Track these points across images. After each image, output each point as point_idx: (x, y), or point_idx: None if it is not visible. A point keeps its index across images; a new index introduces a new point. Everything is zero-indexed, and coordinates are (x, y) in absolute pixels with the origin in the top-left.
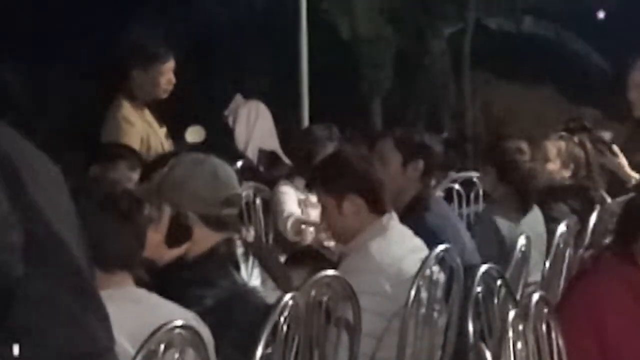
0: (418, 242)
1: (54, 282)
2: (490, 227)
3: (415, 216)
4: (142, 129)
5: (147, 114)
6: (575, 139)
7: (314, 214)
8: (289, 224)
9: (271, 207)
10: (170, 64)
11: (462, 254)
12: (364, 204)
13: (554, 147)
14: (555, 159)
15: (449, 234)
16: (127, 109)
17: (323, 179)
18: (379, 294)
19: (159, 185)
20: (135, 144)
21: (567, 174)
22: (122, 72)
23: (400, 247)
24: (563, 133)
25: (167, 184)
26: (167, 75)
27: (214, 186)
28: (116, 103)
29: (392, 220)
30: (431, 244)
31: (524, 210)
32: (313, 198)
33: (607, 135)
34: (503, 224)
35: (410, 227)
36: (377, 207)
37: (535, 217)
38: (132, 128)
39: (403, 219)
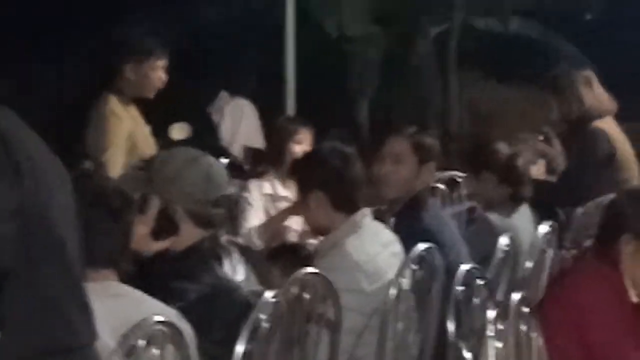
0: (390, 236)
1: (42, 275)
2: (487, 227)
3: (412, 215)
4: (129, 125)
5: (134, 110)
6: (540, 137)
7: (284, 206)
8: (254, 235)
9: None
10: (163, 61)
11: (457, 257)
12: (327, 201)
13: (532, 151)
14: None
15: (446, 236)
16: (115, 104)
17: (294, 172)
18: (357, 291)
19: (150, 176)
20: (122, 139)
21: (539, 170)
22: (112, 67)
23: (374, 243)
24: (526, 134)
25: (159, 177)
26: (159, 72)
27: (206, 185)
28: (103, 98)
29: (366, 217)
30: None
31: (514, 209)
32: (281, 190)
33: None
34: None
35: (407, 225)
36: (344, 205)
37: (525, 215)
38: (119, 122)
39: (399, 219)
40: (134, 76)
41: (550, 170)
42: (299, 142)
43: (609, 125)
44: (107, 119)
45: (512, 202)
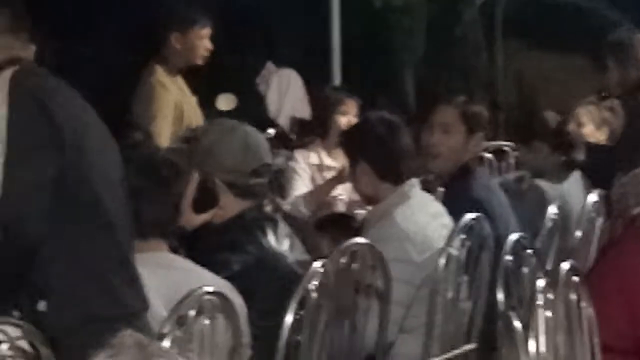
0: (439, 207)
1: (85, 244)
2: (538, 196)
3: (460, 186)
4: (175, 95)
5: (180, 80)
6: (608, 103)
7: (331, 176)
8: (300, 204)
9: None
10: (208, 30)
11: (507, 226)
12: (372, 172)
13: (585, 112)
14: (589, 123)
15: (495, 206)
16: (161, 74)
17: (342, 143)
18: (407, 261)
19: (189, 149)
20: (169, 109)
21: (602, 136)
22: (158, 36)
23: (423, 214)
24: (592, 99)
25: (197, 150)
26: (204, 40)
27: (244, 156)
28: (150, 68)
29: (414, 188)
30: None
31: (565, 177)
32: (327, 160)
33: None
34: (550, 191)
35: (456, 195)
36: (389, 175)
37: (577, 182)
38: (166, 92)
39: (448, 188)
40: (179, 45)
41: (611, 134)
42: (343, 113)
43: None
44: (154, 89)
45: (564, 170)
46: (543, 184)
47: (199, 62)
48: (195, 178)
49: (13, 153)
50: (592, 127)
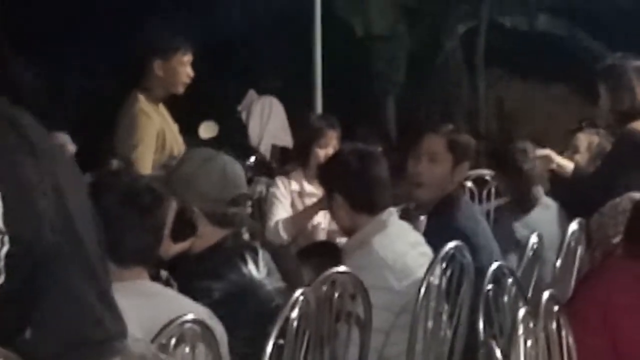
0: (417, 236)
1: (66, 266)
2: (507, 226)
3: (444, 216)
4: (158, 123)
5: (162, 108)
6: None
7: (311, 203)
8: (280, 229)
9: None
10: (189, 57)
11: (490, 257)
12: (346, 204)
13: (586, 140)
14: (585, 152)
15: (479, 236)
16: (144, 103)
17: (318, 176)
18: (386, 288)
19: (167, 178)
20: (152, 138)
21: (591, 168)
22: (141, 64)
23: (401, 242)
24: (601, 130)
25: (176, 178)
26: (187, 67)
27: (222, 185)
28: (132, 97)
29: (392, 216)
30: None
31: (526, 210)
32: (308, 187)
33: None
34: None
35: (440, 226)
36: (363, 206)
37: (550, 215)
38: (149, 120)
39: (432, 219)
40: (162, 73)
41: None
42: (324, 146)
43: None
44: (137, 118)
45: (528, 202)
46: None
47: (180, 89)
48: (173, 206)
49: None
50: (586, 156)
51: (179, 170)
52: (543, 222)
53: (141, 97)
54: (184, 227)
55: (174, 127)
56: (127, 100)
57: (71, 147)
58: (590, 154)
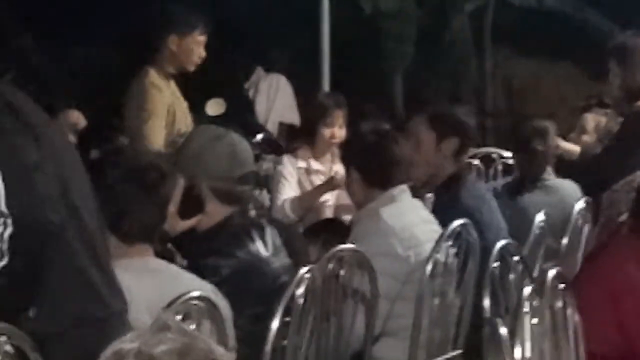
0: (429, 215)
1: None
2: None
3: (450, 194)
4: (169, 98)
5: (173, 85)
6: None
7: (318, 180)
8: (287, 208)
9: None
10: (205, 37)
11: (497, 236)
12: (360, 180)
13: (593, 120)
14: (592, 133)
15: (485, 215)
16: (155, 77)
17: (341, 155)
18: (390, 255)
19: (176, 154)
20: (163, 111)
21: (598, 148)
22: (155, 38)
23: (412, 215)
24: (608, 110)
25: (184, 155)
26: (200, 47)
27: (230, 163)
28: (144, 71)
29: (404, 193)
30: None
31: (530, 190)
32: (315, 165)
33: None
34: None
35: (445, 205)
36: (377, 182)
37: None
38: (159, 94)
39: (438, 197)
40: (177, 49)
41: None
42: (330, 125)
43: None
44: (148, 91)
45: (536, 182)
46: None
47: (191, 68)
48: (181, 184)
49: None
50: (594, 136)
51: (187, 148)
52: (540, 205)
53: (152, 72)
54: (192, 204)
55: (184, 104)
56: (138, 74)
57: (82, 122)
58: (598, 135)
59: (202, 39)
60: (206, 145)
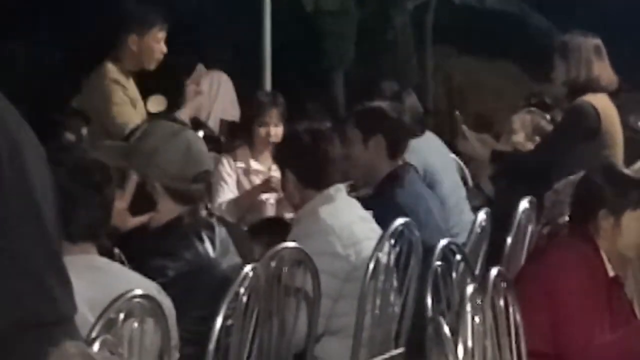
0: (365, 213)
1: (21, 245)
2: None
3: (387, 191)
4: (131, 93)
5: (132, 83)
6: (548, 116)
7: (258, 180)
8: (224, 210)
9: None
10: (164, 33)
11: (435, 234)
12: (296, 180)
13: (519, 120)
14: (519, 131)
15: (421, 214)
16: (115, 72)
17: (274, 155)
18: (332, 254)
19: (129, 149)
20: (126, 105)
21: (531, 146)
22: (114, 37)
23: (349, 214)
24: (533, 108)
25: (138, 152)
26: (160, 43)
27: (185, 162)
28: (103, 66)
29: (340, 192)
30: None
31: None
32: (254, 165)
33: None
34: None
35: (381, 203)
36: (312, 182)
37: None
38: (122, 87)
39: (374, 196)
40: (136, 47)
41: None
42: (264, 124)
43: (602, 101)
44: (109, 86)
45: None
46: None
47: (153, 66)
48: (134, 179)
49: None
50: (523, 134)
51: (142, 144)
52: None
53: (112, 67)
54: (144, 202)
55: (141, 103)
56: (97, 70)
57: None
58: (526, 132)
59: (161, 35)
60: (161, 143)
